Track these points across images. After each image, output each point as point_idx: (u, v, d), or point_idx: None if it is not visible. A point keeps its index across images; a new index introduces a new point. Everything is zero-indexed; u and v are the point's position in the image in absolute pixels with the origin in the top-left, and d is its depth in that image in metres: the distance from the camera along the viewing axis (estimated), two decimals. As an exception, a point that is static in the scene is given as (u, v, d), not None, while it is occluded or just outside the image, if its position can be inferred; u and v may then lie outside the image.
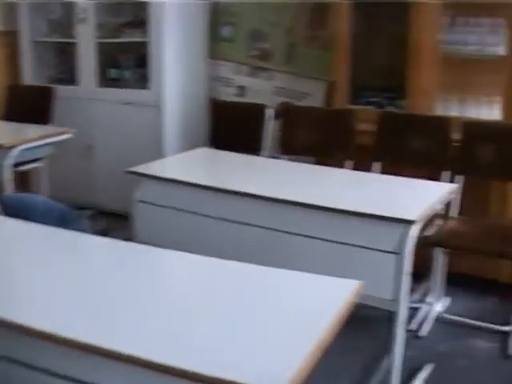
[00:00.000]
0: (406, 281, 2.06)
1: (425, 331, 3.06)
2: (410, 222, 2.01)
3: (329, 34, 3.96)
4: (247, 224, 2.26)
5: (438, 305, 3.28)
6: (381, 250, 2.08)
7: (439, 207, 2.34)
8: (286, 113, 3.77)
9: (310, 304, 1.35)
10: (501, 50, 3.40)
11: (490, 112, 3.55)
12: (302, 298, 1.39)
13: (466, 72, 3.60)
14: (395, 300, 2.10)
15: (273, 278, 1.48)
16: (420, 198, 2.30)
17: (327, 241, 2.16)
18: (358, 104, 3.81)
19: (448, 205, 3.20)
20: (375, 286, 2.14)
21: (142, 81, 4.31)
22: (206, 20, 4.43)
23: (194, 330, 1.27)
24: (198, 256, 1.63)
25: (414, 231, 2.02)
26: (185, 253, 1.66)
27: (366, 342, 2.91)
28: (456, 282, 3.46)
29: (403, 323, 2.15)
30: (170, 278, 1.63)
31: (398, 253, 2.04)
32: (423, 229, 2.92)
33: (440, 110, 3.60)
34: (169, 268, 1.71)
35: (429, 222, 2.83)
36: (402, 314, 2.12)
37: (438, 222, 3.15)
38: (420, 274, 3.48)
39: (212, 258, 1.59)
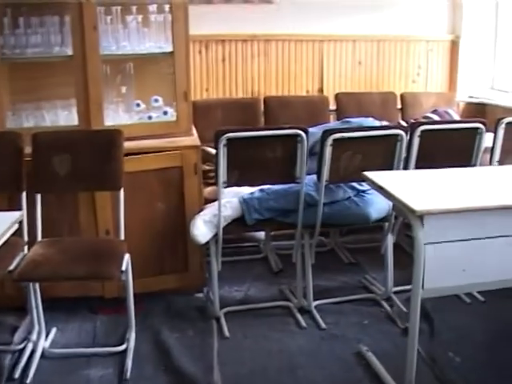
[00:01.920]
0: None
1: (31, 376, 2.93)
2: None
3: None
4: None
5: (42, 340, 3.19)
6: None
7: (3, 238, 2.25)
8: None
9: None
10: (69, 50, 3.42)
11: (69, 117, 3.56)
12: None
13: (38, 77, 3.56)
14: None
15: None
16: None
17: None
18: None
19: (33, 230, 3.16)
20: None
21: None
22: None
23: None
24: None
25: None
26: None
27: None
28: (60, 309, 3.46)
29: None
30: None
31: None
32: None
33: (13, 122, 3.49)
34: None
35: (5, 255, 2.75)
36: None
37: (22, 251, 3.09)
38: (23, 309, 3.40)
39: None
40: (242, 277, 4.01)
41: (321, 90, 4.79)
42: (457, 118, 4.39)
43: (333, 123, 4.32)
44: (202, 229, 3.32)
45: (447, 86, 5.05)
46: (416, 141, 3.34)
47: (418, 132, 3.32)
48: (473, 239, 2.56)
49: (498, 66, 5.05)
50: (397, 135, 3.25)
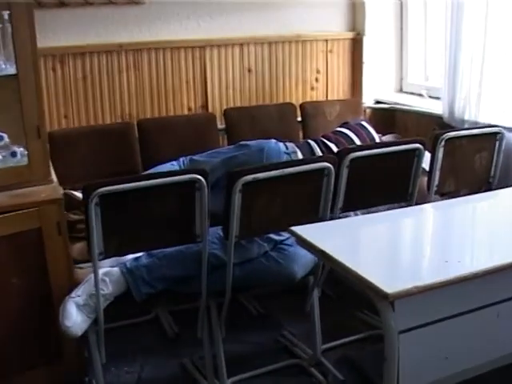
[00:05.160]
0: None
1: None
2: None
3: None
4: None
5: None
6: None
7: None
8: None
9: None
10: None
11: None
12: None
13: None
14: None
15: None
16: None
17: None
18: None
19: None
20: None
21: None
22: None
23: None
24: None
25: None
26: None
27: None
28: None
29: None
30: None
31: None
32: None
33: None
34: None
35: None
36: None
37: None
38: None
39: None
40: (131, 350, 3.23)
41: (205, 107, 4.04)
42: (373, 131, 3.77)
43: (226, 148, 3.60)
44: (75, 317, 2.49)
45: (350, 90, 4.44)
46: (345, 172, 2.67)
47: (346, 162, 2.66)
48: (454, 316, 1.92)
49: (407, 66, 4.48)
50: (323, 169, 2.55)
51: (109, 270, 2.60)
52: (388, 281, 1.79)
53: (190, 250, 2.59)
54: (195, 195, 2.43)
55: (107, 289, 2.54)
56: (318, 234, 2.18)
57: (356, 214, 3.07)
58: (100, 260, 2.39)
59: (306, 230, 2.19)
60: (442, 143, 2.93)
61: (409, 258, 2.03)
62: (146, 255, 2.64)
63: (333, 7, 4.29)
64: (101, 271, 2.52)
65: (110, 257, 2.44)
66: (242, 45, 4.05)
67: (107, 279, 2.56)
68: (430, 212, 2.59)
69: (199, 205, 2.45)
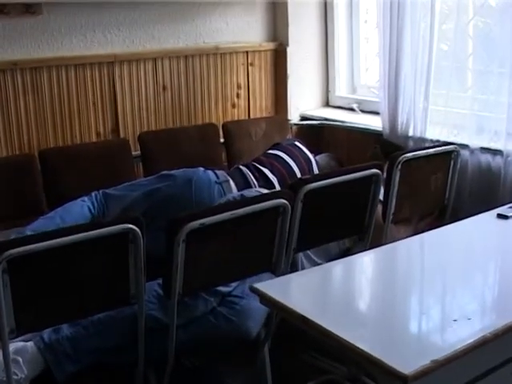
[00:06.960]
0: None
1: None
2: None
3: None
4: None
5: None
6: None
7: None
8: None
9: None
10: None
11: None
12: None
13: None
14: None
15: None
16: None
17: None
18: None
19: None
20: None
21: None
22: None
23: None
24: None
25: None
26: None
27: None
28: None
29: None
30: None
31: None
32: None
33: None
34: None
35: None
36: None
37: None
38: None
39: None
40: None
41: (117, 131, 3.56)
42: (307, 151, 3.42)
43: (146, 179, 3.14)
44: (-19, 412, 1.98)
45: (274, 106, 4.08)
46: (299, 207, 2.30)
47: (301, 195, 2.29)
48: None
49: (335, 78, 4.16)
50: (278, 207, 2.17)
51: (21, 346, 2.10)
52: (398, 357, 1.42)
53: (122, 313, 2.14)
54: (128, 248, 1.99)
55: (21, 372, 2.05)
56: (288, 291, 1.80)
57: (306, 255, 2.72)
58: (11, 339, 1.90)
59: (271, 288, 1.79)
60: (399, 166, 2.61)
61: (408, 320, 1.67)
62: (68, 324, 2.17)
63: (253, 16, 3.91)
64: (11, 348, 2.03)
65: (24, 334, 1.95)
66: (155, 59, 3.59)
67: (20, 359, 2.06)
68: (401, 253, 2.22)
69: (133, 260, 2.00)
